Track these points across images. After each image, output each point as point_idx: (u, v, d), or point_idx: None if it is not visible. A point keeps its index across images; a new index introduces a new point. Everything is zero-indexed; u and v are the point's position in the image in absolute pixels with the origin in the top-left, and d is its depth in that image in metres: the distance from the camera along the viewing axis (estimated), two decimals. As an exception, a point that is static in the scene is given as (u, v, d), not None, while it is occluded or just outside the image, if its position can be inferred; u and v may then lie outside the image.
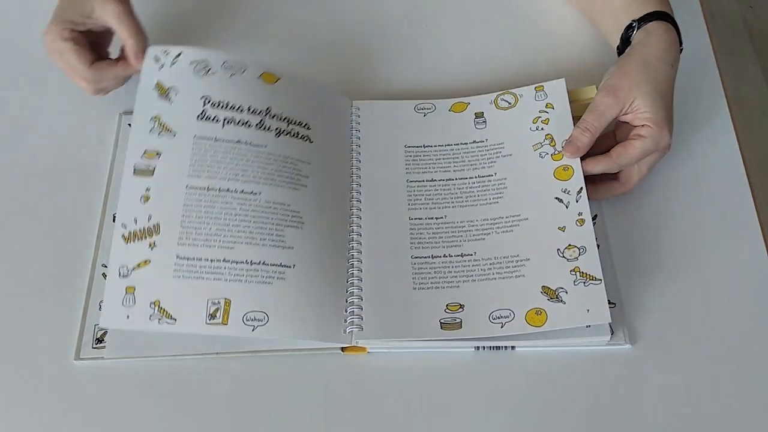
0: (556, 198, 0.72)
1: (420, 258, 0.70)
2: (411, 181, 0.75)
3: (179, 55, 0.73)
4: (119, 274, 0.65)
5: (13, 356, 0.67)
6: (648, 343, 0.67)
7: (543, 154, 0.74)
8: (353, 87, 0.83)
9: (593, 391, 0.66)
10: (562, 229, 0.70)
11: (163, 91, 0.72)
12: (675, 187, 0.76)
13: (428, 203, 0.74)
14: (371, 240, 0.71)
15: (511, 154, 0.76)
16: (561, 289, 0.67)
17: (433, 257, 0.70)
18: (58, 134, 0.81)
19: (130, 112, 0.79)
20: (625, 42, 0.77)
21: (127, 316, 0.64)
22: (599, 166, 0.73)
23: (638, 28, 0.75)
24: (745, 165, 0.78)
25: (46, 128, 0.81)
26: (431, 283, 0.69)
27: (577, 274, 0.67)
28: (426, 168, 0.76)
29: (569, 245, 0.69)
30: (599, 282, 0.66)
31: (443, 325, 0.66)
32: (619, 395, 0.65)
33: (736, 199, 0.75)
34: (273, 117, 0.72)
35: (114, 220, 0.70)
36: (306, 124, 0.74)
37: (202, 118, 0.71)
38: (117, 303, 0.64)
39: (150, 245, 0.66)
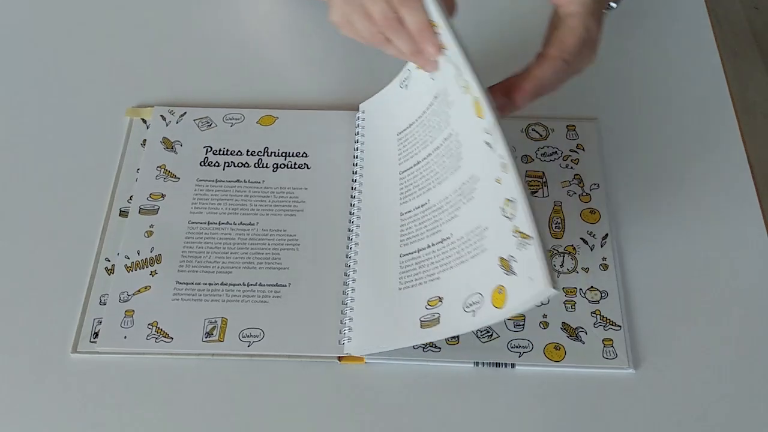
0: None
1: (408, 255, 0.68)
2: (402, 172, 0.73)
3: (184, 114, 0.80)
4: (119, 299, 0.69)
5: (12, 348, 0.68)
6: (651, 367, 0.66)
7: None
8: (362, 89, 0.82)
9: (593, 414, 0.64)
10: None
11: (169, 145, 0.78)
12: (683, 196, 0.75)
13: (415, 191, 0.71)
14: (367, 248, 0.70)
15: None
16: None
17: (419, 251, 0.68)
18: (67, 128, 0.81)
19: (141, 106, 0.82)
20: None
21: (125, 337, 0.67)
22: (547, 70, 0.63)
23: None
24: (752, 170, 0.76)
25: (55, 123, 0.82)
26: (415, 279, 0.67)
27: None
28: (413, 151, 0.73)
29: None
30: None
31: (423, 324, 0.64)
32: (619, 420, 0.64)
33: (745, 212, 0.74)
34: (270, 154, 0.78)
35: (119, 214, 0.74)
36: (304, 153, 0.78)
37: (204, 164, 0.77)
38: (115, 325, 0.67)
39: (151, 273, 0.70)
